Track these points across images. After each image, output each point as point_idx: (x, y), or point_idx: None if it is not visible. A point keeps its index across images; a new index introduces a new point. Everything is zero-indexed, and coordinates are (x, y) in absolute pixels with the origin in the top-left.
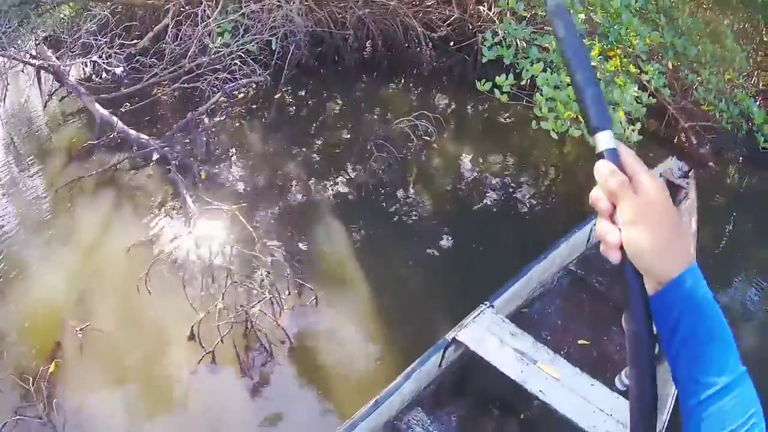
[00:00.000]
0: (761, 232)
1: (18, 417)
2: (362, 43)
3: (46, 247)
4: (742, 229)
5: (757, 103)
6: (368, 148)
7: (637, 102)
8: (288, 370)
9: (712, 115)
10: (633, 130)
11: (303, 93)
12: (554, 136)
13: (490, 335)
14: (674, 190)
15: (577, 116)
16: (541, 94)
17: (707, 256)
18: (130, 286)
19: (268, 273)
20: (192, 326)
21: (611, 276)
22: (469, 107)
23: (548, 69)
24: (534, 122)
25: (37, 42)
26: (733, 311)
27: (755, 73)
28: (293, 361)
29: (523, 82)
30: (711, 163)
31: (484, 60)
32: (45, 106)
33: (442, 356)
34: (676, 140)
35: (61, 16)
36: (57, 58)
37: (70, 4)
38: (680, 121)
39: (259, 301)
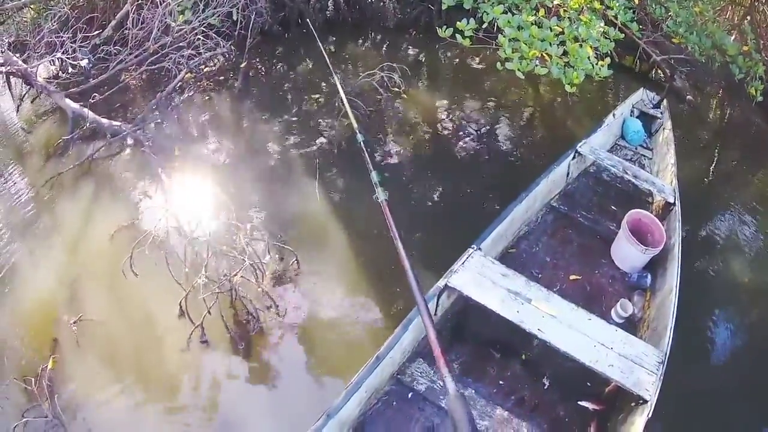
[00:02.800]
0: (745, 164)
1: (25, 419)
2: (324, 3)
3: (33, 246)
4: (727, 160)
5: (733, 37)
6: (337, 105)
7: (605, 37)
8: (277, 335)
9: (684, 48)
10: (602, 66)
11: (269, 59)
12: (520, 75)
13: (481, 278)
14: (649, 121)
15: (542, 55)
16: (504, 36)
17: (693, 188)
18: (117, 272)
19: (248, 240)
20: (180, 302)
21: (595, 209)
22: (437, 55)
23: (509, 11)
24: (499, 64)
25: (3, 50)
26: (724, 242)
27: (729, 8)
28: (281, 325)
29: (486, 26)
30: (689, 97)
31: (444, 7)
32: (18, 110)
33: (437, 304)
34: (653, 74)
35: (24, 19)
36: (24, 61)
37: (32, 6)
38: (652, 55)
39: (240, 269)
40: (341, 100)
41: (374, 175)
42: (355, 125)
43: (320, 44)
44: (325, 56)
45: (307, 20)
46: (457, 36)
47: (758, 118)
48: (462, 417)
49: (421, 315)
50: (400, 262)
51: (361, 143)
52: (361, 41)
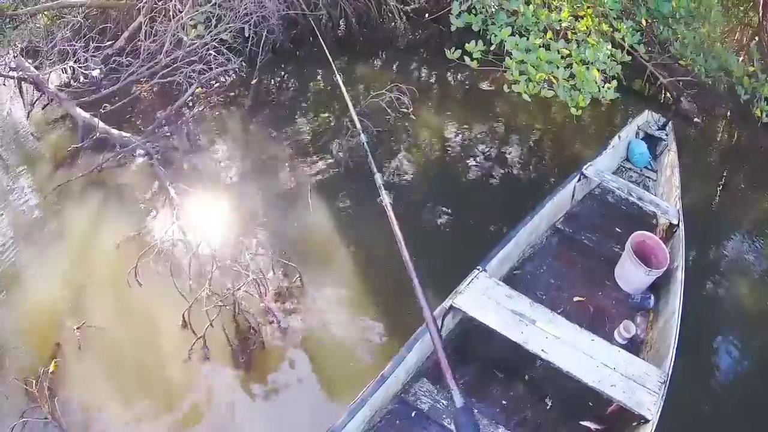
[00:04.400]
0: (753, 186)
1: (24, 419)
2: (336, 22)
3: (40, 251)
4: (734, 183)
5: (741, 58)
6: (345, 124)
7: (612, 60)
8: (278, 350)
9: (691, 70)
10: (609, 88)
11: (280, 77)
12: (527, 98)
13: (486, 299)
14: (654, 143)
15: (549, 77)
16: (511, 58)
17: (700, 210)
18: (121, 281)
19: (252, 256)
20: (183, 314)
21: (599, 231)
22: (447, 76)
23: (518, 34)
24: (505, 86)
25: (15, 55)
26: (729, 264)
27: (738, 29)
28: (283, 341)
29: (494, 48)
30: (697, 119)
31: (453, 28)
32: (29, 116)
33: (442, 324)
34: (662, 98)
35: (37, 26)
36: (36, 67)
37: (45, 13)
38: (660, 78)
39: (243, 283)
40: (346, 100)
41: (378, 178)
42: (359, 126)
43: (323, 42)
44: (329, 56)
45: (312, 22)
46: (466, 58)
47: (766, 140)
48: (469, 430)
49: (428, 324)
50: (404, 264)
51: (365, 144)
52: (371, 61)
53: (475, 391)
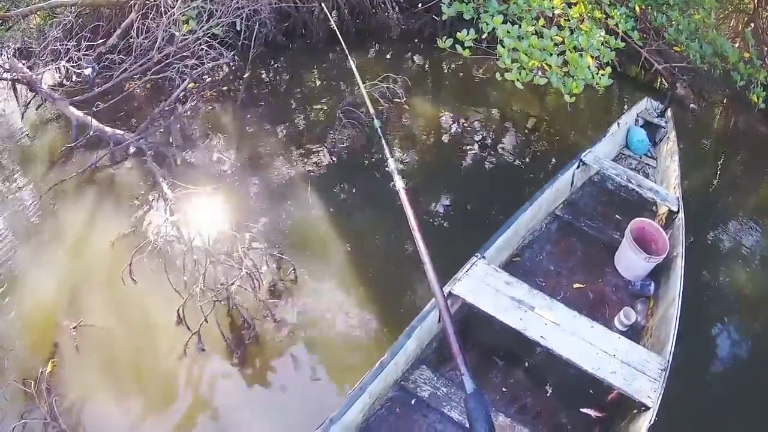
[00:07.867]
0: (750, 172)
1: (24, 421)
2: (329, 14)
3: (36, 252)
4: (731, 168)
5: (737, 44)
6: (337, 115)
7: (605, 46)
8: (272, 343)
9: (686, 56)
10: (602, 75)
11: (273, 70)
12: (519, 86)
13: (485, 286)
14: (653, 130)
15: (541, 64)
16: (503, 46)
17: (698, 196)
18: (116, 279)
19: (246, 250)
20: (177, 310)
21: (599, 218)
22: (441, 66)
23: (510, 22)
24: (498, 74)
25: (8, 56)
26: (728, 250)
27: (733, 15)
28: (277, 334)
29: (489, 36)
30: (693, 105)
31: (444, 17)
32: (23, 117)
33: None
34: (657, 84)
35: (30, 26)
36: (29, 68)
37: (37, 13)
38: (654, 64)
39: (236, 278)
40: (359, 84)
41: (391, 163)
42: (372, 110)
43: (337, 31)
44: (342, 43)
45: (328, 14)
46: (457, 47)
47: (763, 126)
48: (480, 416)
49: (440, 311)
50: (418, 251)
51: (378, 129)
52: (364, 52)
53: (476, 378)
